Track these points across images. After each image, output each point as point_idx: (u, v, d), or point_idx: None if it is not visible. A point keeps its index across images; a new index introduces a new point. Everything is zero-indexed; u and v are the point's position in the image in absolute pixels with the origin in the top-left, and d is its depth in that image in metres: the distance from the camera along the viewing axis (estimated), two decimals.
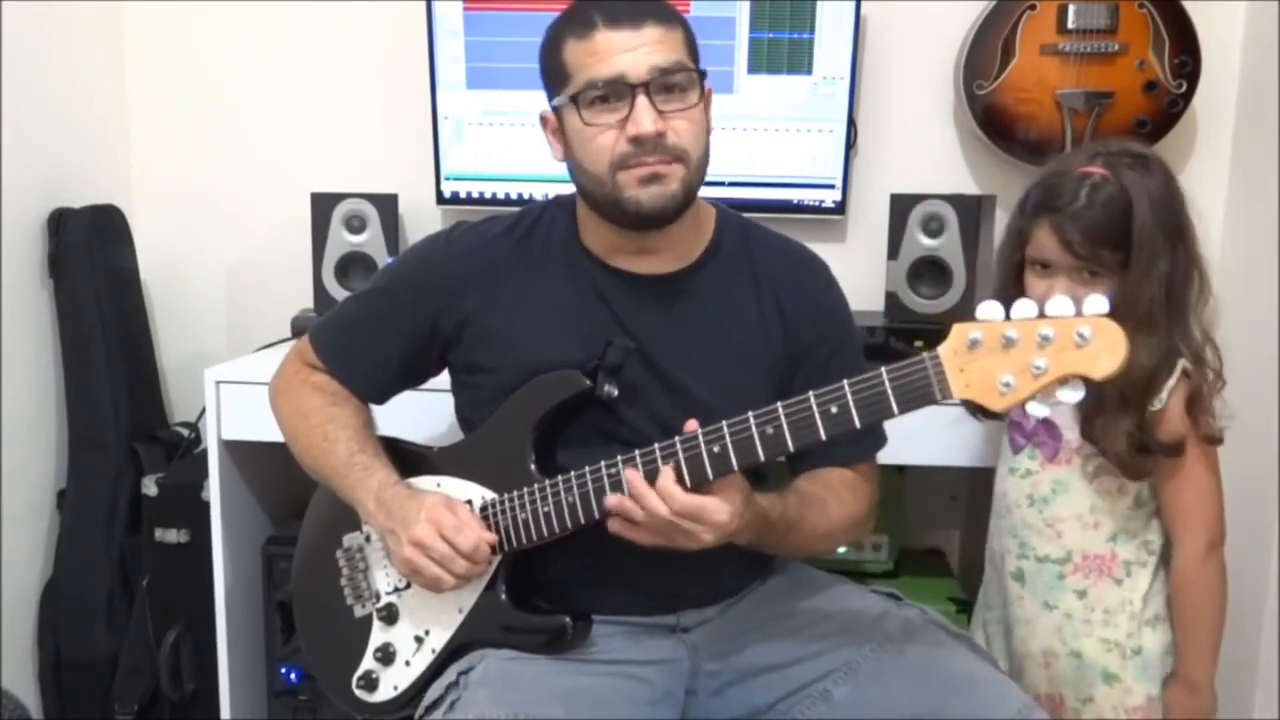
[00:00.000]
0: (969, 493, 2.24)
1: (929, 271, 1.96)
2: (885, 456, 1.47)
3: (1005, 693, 1.18)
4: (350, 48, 2.25)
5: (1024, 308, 1.01)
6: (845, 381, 1.07)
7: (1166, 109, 1.96)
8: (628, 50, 1.17)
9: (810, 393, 1.09)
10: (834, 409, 1.08)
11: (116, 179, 2.30)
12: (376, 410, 1.43)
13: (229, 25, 2.26)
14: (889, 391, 1.06)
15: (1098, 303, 0.99)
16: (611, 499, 1.14)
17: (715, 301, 1.31)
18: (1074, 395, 1.00)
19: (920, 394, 1.05)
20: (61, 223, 2.07)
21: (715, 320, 1.31)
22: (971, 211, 1.95)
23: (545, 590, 1.29)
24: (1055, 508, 1.45)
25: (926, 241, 1.96)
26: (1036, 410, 1.02)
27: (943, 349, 1.04)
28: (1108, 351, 0.98)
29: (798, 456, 1.27)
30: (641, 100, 1.18)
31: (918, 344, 1.89)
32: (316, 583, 1.40)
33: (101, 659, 2.07)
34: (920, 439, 1.73)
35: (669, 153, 1.20)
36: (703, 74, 1.23)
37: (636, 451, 1.16)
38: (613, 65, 1.18)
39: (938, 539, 2.28)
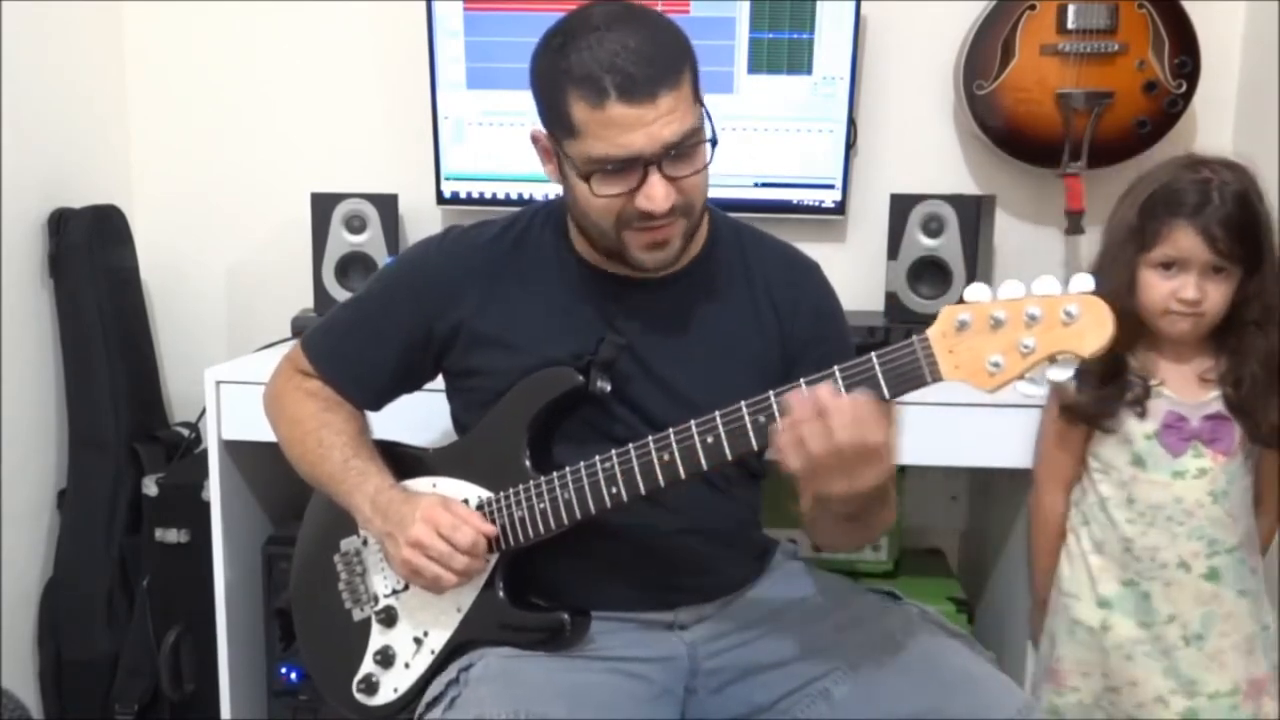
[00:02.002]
0: (969, 493, 2.25)
1: (929, 271, 1.96)
2: None
3: (1005, 691, 1.18)
4: (350, 48, 2.25)
5: (1011, 288, 1.01)
6: (836, 367, 1.07)
7: (1166, 109, 1.96)
8: (643, 127, 1.12)
9: (802, 379, 1.08)
10: None
11: (116, 179, 2.30)
12: (374, 413, 1.43)
13: (229, 25, 2.27)
14: (879, 375, 1.05)
15: (1083, 280, 0.99)
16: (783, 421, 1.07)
17: (709, 303, 1.31)
18: (1063, 374, 1.00)
19: (910, 376, 1.04)
20: (61, 223, 2.07)
21: (709, 321, 1.31)
22: (971, 211, 1.95)
23: (542, 587, 1.29)
24: (1233, 497, 1.50)
25: (926, 241, 1.96)
26: (1028, 390, 1.01)
27: (931, 331, 1.04)
28: (1095, 328, 0.98)
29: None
30: (655, 177, 1.15)
31: None
32: (315, 588, 1.40)
33: (101, 659, 2.07)
34: (920, 439, 1.72)
35: (675, 213, 1.19)
36: (712, 139, 1.19)
37: (630, 445, 1.16)
38: (627, 145, 1.13)
39: (938, 539, 2.28)
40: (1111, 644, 1.54)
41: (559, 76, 1.15)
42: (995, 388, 1.02)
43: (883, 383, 1.05)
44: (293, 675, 1.97)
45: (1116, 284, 1.48)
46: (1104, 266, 1.52)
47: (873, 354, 1.06)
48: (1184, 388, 1.51)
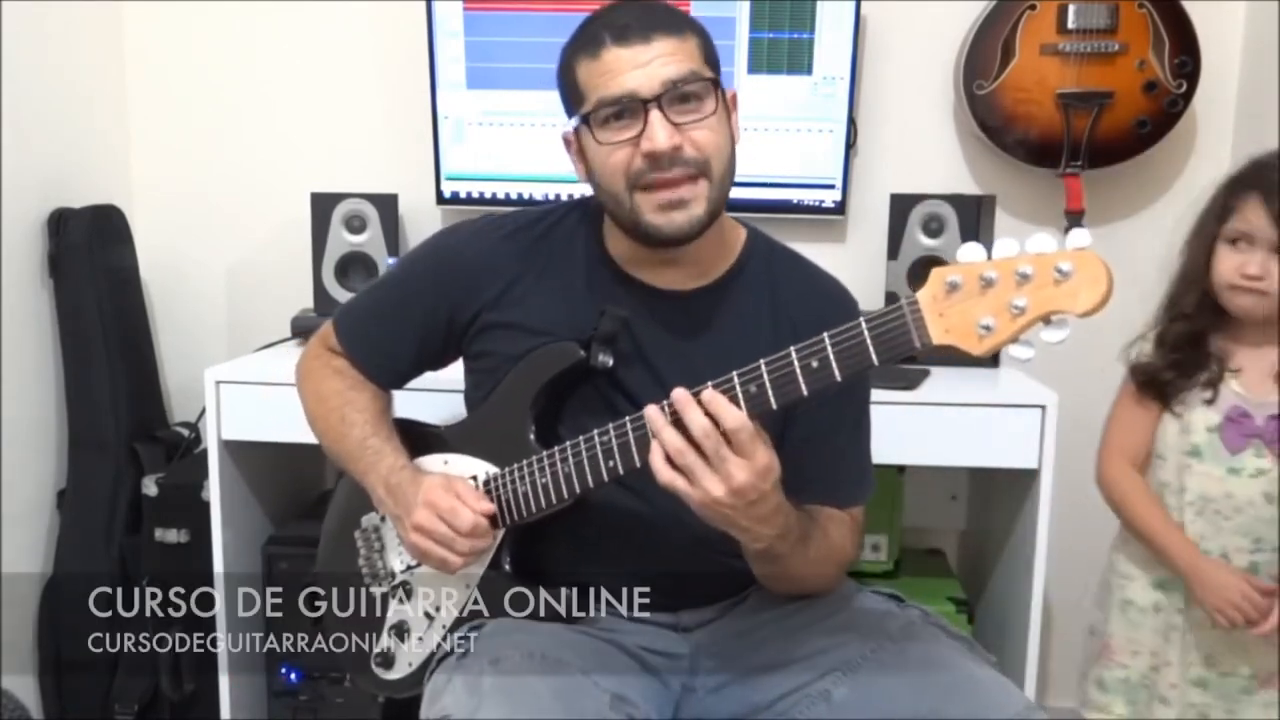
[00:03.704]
0: (969, 493, 2.25)
1: (929, 271, 1.95)
2: (885, 457, 1.47)
3: (1006, 694, 1.18)
4: (350, 48, 2.25)
5: (1005, 247, 0.96)
6: (825, 334, 1.05)
7: (1166, 109, 1.96)
8: (638, 66, 1.15)
9: (792, 348, 1.06)
10: (814, 363, 1.05)
11: (116, 179, 2.30)
12: (399, 399, 1.44)
13: (229, 25, 2.27)
14: (868, 341, 1.02)
15: (1079, 236, 0.94)
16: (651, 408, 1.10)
17: (729, 324, 1.30)
18: (1057, 335, 0.94)
19: (899, 342, 1.01)
20: (61, 223, 2.07)
21: (726, 343, 1.29)
22: (971, 211, 1.95)
23: (549, 579, 1.30)
24: None
25: (926, 241, 1.97)
26: (1020, 353, 0.97)
27: (921, 294, 1.00)
28: (1089, 285, 0.92)
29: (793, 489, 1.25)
30: (655, 115, 1.16)
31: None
32: (339, 563, 1.43)
33: (101, 659, 2.07)
34: (920, 439, 1.73)
35: (688, 167, 1.18)
36: (718, 82, 1.21)
37: (627, 419, 1.15)
38: (623, 83, 1.16)
39: (938, 539, 2.28)
40: (1161, 625, 1.58)
41: (568, 57, 1.21)
42: (986, 351, 0.97)
43: (871, 349, 1.02)
44: (293, 675, 1.97)
45: (1195, 256, 1.53)
46: (1190, 239, 1.56)
47: (861, 319, 1.03)
48: (1257, 382, 1.52)
